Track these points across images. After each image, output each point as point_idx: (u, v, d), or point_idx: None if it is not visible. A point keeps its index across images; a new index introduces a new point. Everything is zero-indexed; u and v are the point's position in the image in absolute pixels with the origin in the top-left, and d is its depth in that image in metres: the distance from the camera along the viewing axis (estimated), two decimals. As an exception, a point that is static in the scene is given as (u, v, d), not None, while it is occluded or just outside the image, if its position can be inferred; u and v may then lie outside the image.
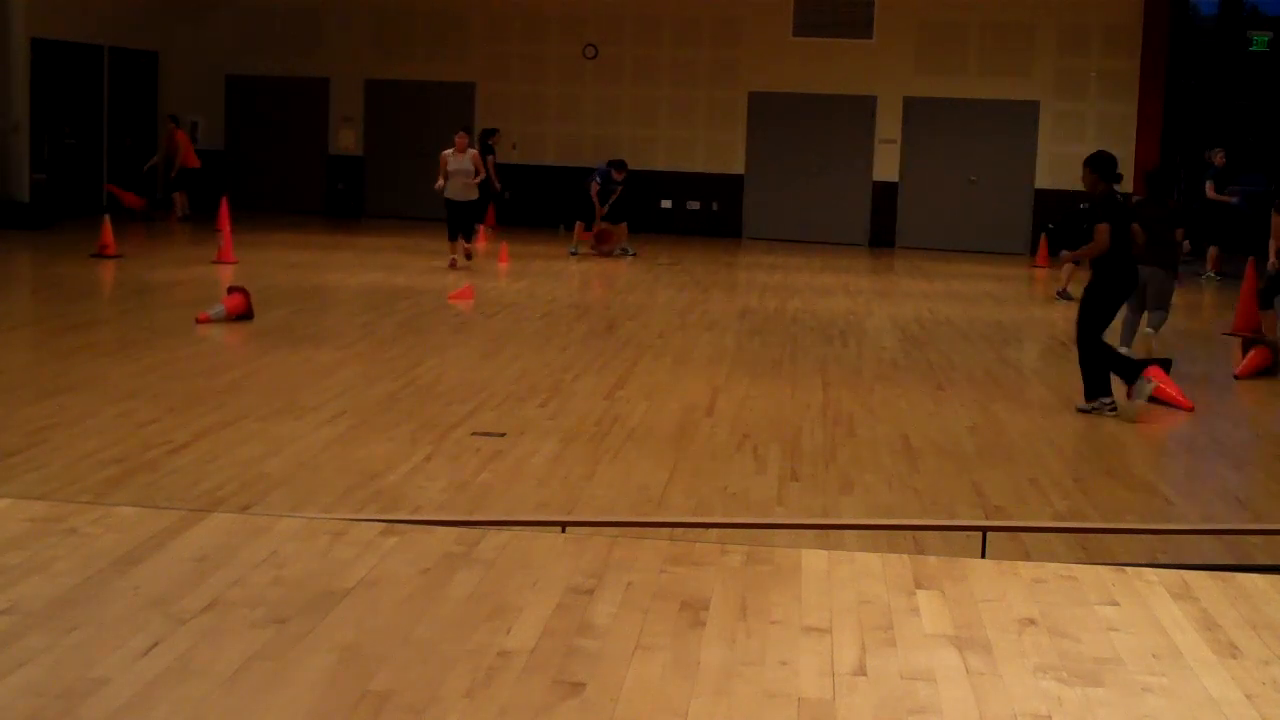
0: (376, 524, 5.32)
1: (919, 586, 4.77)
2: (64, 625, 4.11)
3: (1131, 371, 8.64)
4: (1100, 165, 8.58)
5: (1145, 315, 11.04)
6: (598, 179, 17.47)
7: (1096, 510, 6.42)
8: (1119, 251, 8.52)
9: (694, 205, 20.76)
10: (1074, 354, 10.93)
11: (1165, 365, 9.20)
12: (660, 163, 20.58)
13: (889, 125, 20.27)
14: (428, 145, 21.11)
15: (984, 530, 5.66)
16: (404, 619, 4.30)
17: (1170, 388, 8.96)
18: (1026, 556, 5.49)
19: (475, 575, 4.72)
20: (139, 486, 6.06)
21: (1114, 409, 8.51)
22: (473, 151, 14.98)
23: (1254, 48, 21.30)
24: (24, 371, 8.89)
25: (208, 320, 10.65)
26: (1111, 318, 8.80)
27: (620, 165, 17.62)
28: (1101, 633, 4.40)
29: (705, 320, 12.23)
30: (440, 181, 14.84)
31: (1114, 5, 19.57)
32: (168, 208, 19.54)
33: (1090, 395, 8.60)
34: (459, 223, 15.05)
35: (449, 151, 14.89)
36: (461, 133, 15.02)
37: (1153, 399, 8.95)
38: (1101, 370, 8.60)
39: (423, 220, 19.66)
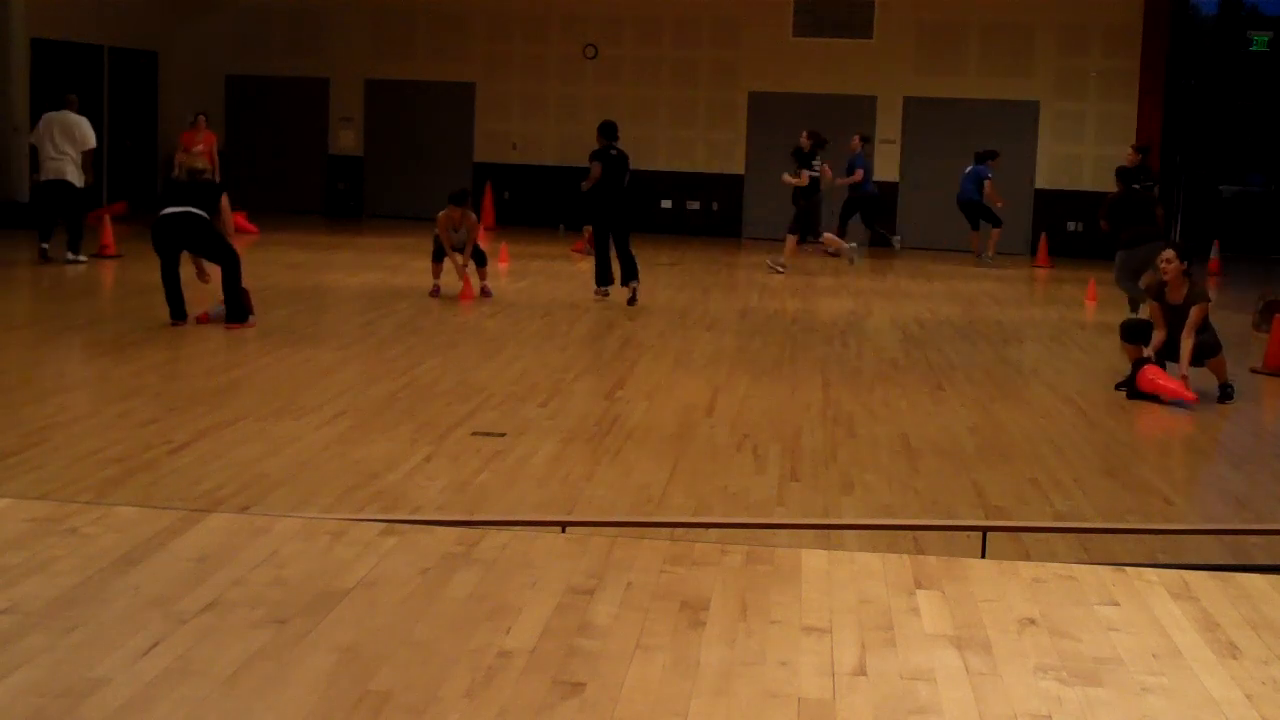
0: (376, 524, 5.31)
1: (919, 586, 4.77)
2: (64, 625, 4.11)
3: (602, 278, 13.10)
4: (602, 131, 13.06)
5: None
6: (986, 176, 17.67)
7: (1096, 510, 6.42)
8: (603, 188, 12.82)
9: (694, 205, 20.77)
10: (1073, 352, 11.01)
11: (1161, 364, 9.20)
12: (660, 163, 20.57)
13: (889, 125, 20.26)
14: (428, 145, 21.24)
15: (984, 530, 5.65)
16: (404, 619, 4.30)
17: (1170, 383, 8.95)
18: (1026, 556, 5.49)
19: (475, 575, 4.72)
20: (139, 486, 6.06)
21: (606, 296, 12.99)
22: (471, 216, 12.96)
23: (1254, 48, 21.27)
24: (24, 371, 8.88)
25: (207, 320, 10.65)
26: (606, 236, 12.97)
27: (994, 154, 17.99)
28: (1101, 633, 4.40)
29: (705, 320, 12.22)
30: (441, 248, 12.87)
31: (1114, 5, 19.56)
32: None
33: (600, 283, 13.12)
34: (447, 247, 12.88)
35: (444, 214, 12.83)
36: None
37: (1148, 397, 8.96)
38: (605, 266, 13.07)
39: (423, 220, 19.63)
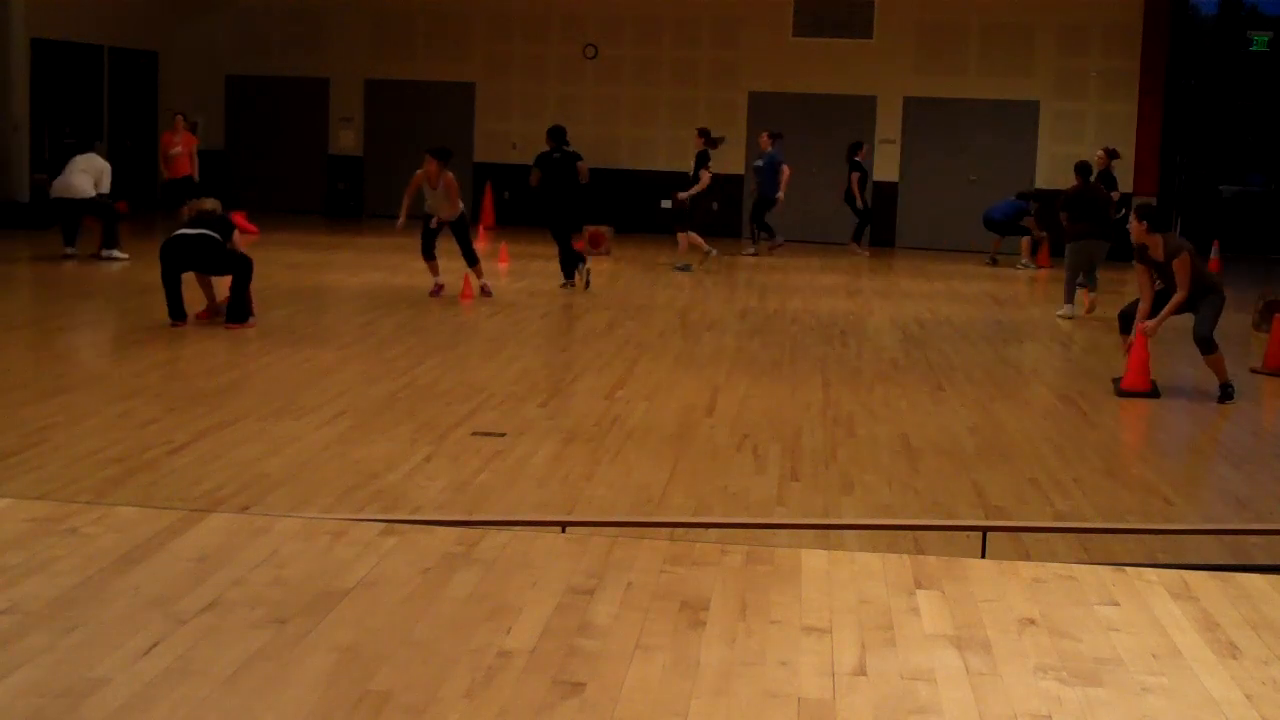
0: (376, 524, 5.32)
1: (919, 586, 4.77)
2: (64, 625, 4.11)
3: (569, 267, 13.80)
4: (551, 135, 13.83)
5: None
6: (1027, 213, 17.94)
7: (1096, 510, 6.42)
8: (545, 187, 13.76)
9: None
10: (1073, 352, 10.99)
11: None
12: (660, 163, 20.57)
13: (889, 125, 20.26)
14: (428, 145, 21.21)
15: (984, 530, 5.66)
16: (404, 619, 4.30)
17: (1134, 354, 9.19)
18: (1026, 556, 5.49)
19: (475, 575, 4.72)
20: (139, 486, 6.06)
21: (571, 286, 13.70)
22: (448, 175, 12.93)
23: (1254, 48, 21.29)
24: (24, 371, 8.88)
25: (207, 319, 10.65)
26: (561, 232, 13.78)
27: (1034, 194, 18.13)
28: (1101, 633, 4.40)
29: (705, 320, 12.22)
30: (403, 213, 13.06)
31: (1114, 5, 19.56)
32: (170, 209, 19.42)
33: (566, 275, 13.82)
34: (435, 241, 13.08)
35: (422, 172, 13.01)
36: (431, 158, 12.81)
37: (1146, 394, 8.96)
38: (569, 258, 13.75)
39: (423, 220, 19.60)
